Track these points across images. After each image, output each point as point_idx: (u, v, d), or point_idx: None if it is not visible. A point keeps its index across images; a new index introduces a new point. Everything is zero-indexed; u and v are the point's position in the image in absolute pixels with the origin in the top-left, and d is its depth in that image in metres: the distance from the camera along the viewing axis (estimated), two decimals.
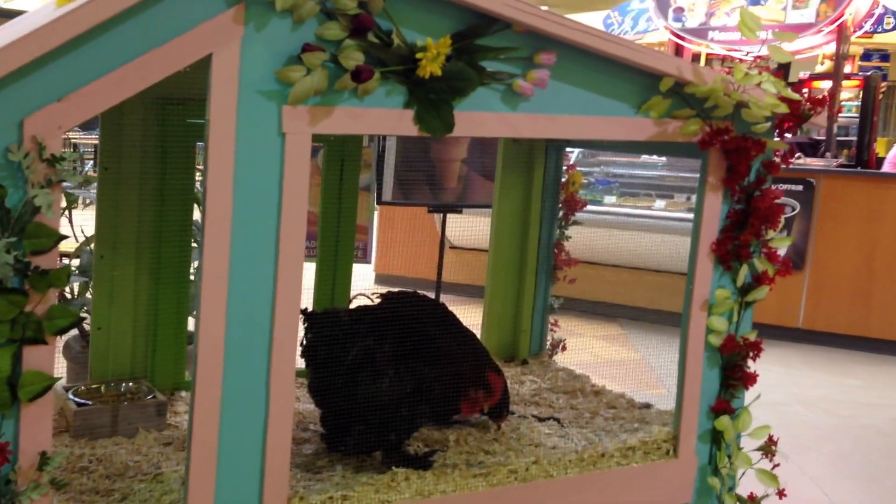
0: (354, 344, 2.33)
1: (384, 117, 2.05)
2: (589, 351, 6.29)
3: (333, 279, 3.07)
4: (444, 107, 2.08)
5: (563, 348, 3.44)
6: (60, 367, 3.30)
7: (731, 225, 2.54)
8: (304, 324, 2.45)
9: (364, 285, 8.83)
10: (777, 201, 2.50)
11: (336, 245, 3.06)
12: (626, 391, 3.09)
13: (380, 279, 8.51)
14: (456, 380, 2.48)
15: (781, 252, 2.64)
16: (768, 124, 2.43)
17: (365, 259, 4.69)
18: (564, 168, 3.39)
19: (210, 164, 1.90)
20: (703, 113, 2.42)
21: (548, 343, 3.46)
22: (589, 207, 7.30)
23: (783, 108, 2.38)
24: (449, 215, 4.90)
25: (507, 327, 3.40)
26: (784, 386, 5.84)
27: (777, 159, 2.53)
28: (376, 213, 8.63)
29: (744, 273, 2.56)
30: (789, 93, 2.39)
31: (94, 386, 2.75)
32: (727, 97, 2.36)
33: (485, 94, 2.14)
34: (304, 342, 2.38)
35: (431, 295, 4.48)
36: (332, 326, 2.37)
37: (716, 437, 2.66)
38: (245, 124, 1.91)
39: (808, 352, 6.61)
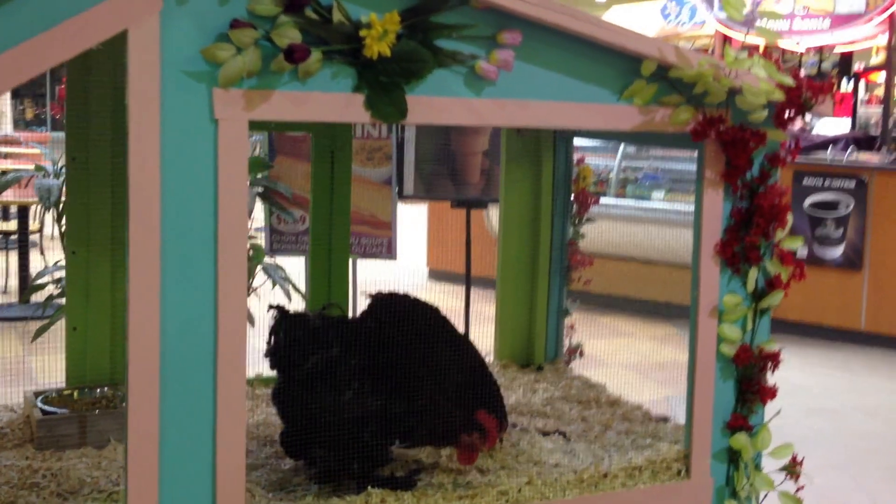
0: (315, 353, 2.12)
1: (330, 102, 1.85)
2: (637, 351, 6.06)
3: (329, 277, 2.88)
4: (397, 91, 1.87)
5: (581, 353, 3.20)
6: None
7: (735, 224, 2.28)
8: (273, 321, 2.27)
9: (417, 281, 8.68)
10: (784, 198, 2.25)
11: (329, 241, 2.87)
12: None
13: (433, 275, 8.38)
14: (437, 401, 2.23)
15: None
16: (765, 113, 2.17)
17: (390, 255, 4.52)
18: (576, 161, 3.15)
19: (132, 157, 1.72)
20: (694, 100, 2.17)
21: (564, 348, 3.21)
22: (636, 204, 7.12)
23: (779, 95, 2.13)
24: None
25: (520, 332, 3.17)
26: (844, 392, 5.53)
27: (783, 153, 2.27)
28: (426, 209, 8.51)
29: (754, 276, 2.30)
30: (784, 78, 2.14)
31: (67, 392, 2.60)
32: (717, 82, 2.11)
33: (445, 77, 1.92)
34: (269, 343, 2.19)
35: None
36: (296, 331, 2.16)
37: (733, 457, 2.41)
38: (171, 110, 1.73)
39: (871, 356, 6.27)
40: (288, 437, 2.17)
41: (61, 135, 2.67)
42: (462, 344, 2.49)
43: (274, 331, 2.20)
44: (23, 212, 6.40)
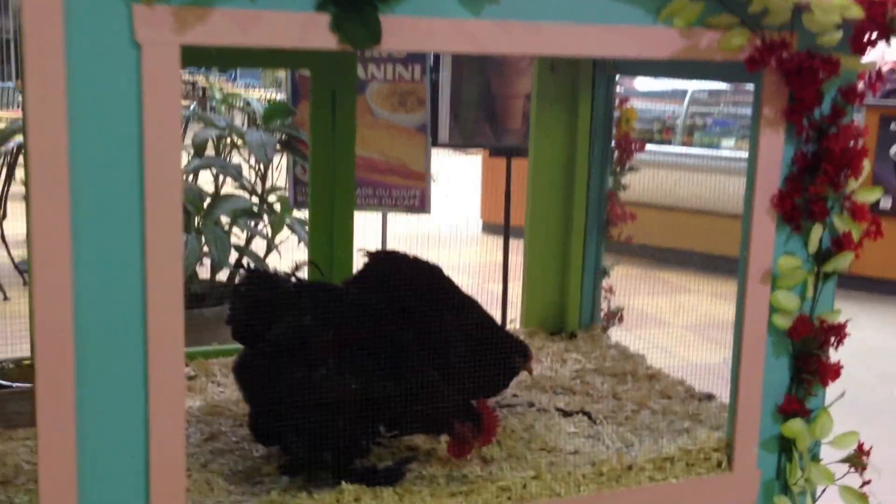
0: (281, 321, 1.81)
1: (287, 24, 1.51)
2: (698, 311, 5.67)
3: (331, 234, 2.56)
4: (369, 9, 1.53)
5: (621, 319, 2.85)
6: None
7: (798, 173, 1.90)
8: (237, 282, 1.96)
9: (470, 235, 8.39)
10: (860, 141, 1.86)
11: (332, 193, 2.54)
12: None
13: (487, 228, 8.07)
14: (429, 380, 1.89)
15: None
16: (839, 35, 1.77)
17: (423, 209, 4.19)
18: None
19: (30, 92, 1.40)
20: (751, 21, 1.78)
21: (601, 313, 2.86)
22: (703, 152, 6.66)
23: (856, 11, 1.71)
24: None
25: (551, 294, 2.82)
26: None
27: (861, 85, 1.87)
28: (480, 160, 8.17)
29: (818, 235, 1.92)
30: None
31: (28, 362, 2.34)
32: None
33: None
34: (229, 308, 1.89)
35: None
36: (261, 294, 1.85)
37: (785, 446, 2.05)
38: (79, 32, 1.40)
39: None
40: (254, 419, 1.87)
41: None
42: (467, 309, 2.15)
43: (235, 294, 1.89)
44: None
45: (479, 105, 3.91)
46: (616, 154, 2.78)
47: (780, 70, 1.84)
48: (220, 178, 4.47)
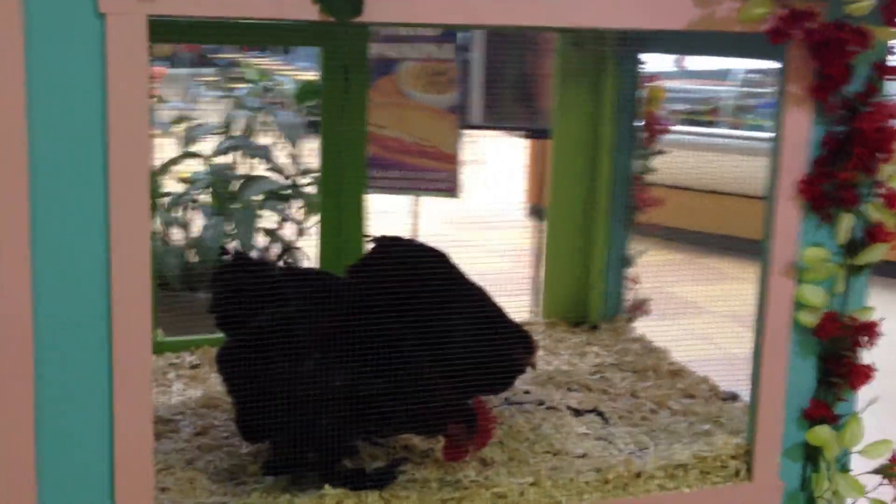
0: (264, 310, 1.70)
1: None
2: (745, 299, 5.48)
3: (339, 219, 2.46)
4: None
5: (647, 311, 2.71)
6: None
7: (826, 156, 1.76)
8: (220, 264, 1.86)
9: (514, 218, 8.26)
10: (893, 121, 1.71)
11: (341, 177, 2.44)
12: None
13: (533, 211, 7.93)
14: (423, 377, 1.78)
15: None
16: (871, 3, 1.62)
17: (452, 192, 4.06)
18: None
19: None
20: None
21: (626, 304, 2.72)
22: (752, 133, 6.44)
23: None
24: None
25: (572, 284, 2.69)
26: None
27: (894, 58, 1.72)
28: (527, 142, 8.00)
29: (847, 224, 1.77)
30: None
31: None
32: None
33: None
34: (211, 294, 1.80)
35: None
36: (244, 281, 1.74)
37: (811, 454, 1.91)
38: (39, 1, 1.32)
39: None
40: (238, 415, 1.77)
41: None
42: (471, 299, 2.02)
43: (216, 280, 1.79)
44: None
45: (512, 85, 3.78)
46: (643, 135, 2.64)
47: (807, 43, 1.70)
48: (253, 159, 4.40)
